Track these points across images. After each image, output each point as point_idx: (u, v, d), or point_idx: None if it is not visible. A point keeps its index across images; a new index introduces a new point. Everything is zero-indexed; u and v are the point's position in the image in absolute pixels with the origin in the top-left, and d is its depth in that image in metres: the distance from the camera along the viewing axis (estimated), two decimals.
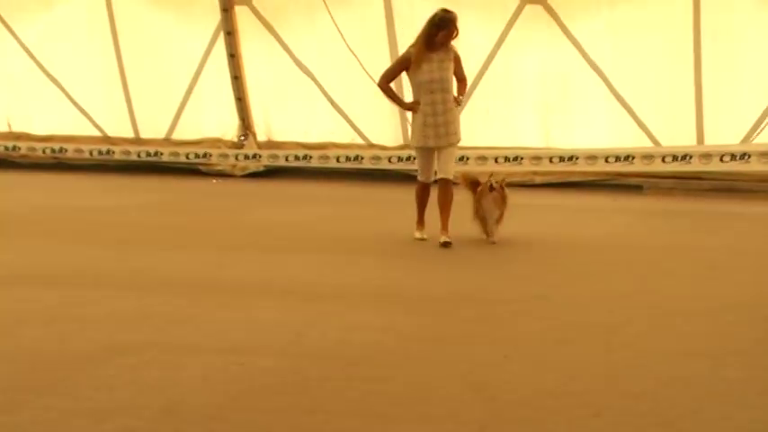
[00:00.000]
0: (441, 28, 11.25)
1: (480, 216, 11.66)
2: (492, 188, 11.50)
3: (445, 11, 11.36)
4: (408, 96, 12.17)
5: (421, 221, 11.94)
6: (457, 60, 11.54)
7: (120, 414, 5.82)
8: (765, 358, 7.14)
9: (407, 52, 11.58)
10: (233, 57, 17.93)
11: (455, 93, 11.56)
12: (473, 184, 11.95)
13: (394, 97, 12.10)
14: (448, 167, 11.56)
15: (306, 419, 5.79)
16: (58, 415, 5.84)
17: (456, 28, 11.29)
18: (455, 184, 11.73)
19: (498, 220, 11.61)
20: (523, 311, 8.42)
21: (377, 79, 11.90)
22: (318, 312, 8.34)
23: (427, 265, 10.62)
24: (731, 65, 15.48)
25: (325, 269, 10.24)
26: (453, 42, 11.43)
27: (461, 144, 11.83)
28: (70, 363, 6.87)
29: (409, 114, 12.35)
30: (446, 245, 11.30)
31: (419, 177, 11.85)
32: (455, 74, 11.57)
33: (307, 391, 6.25)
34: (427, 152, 11.63)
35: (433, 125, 11.44)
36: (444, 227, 11.49)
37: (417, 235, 11.86)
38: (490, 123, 16.78)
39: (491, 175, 11.87)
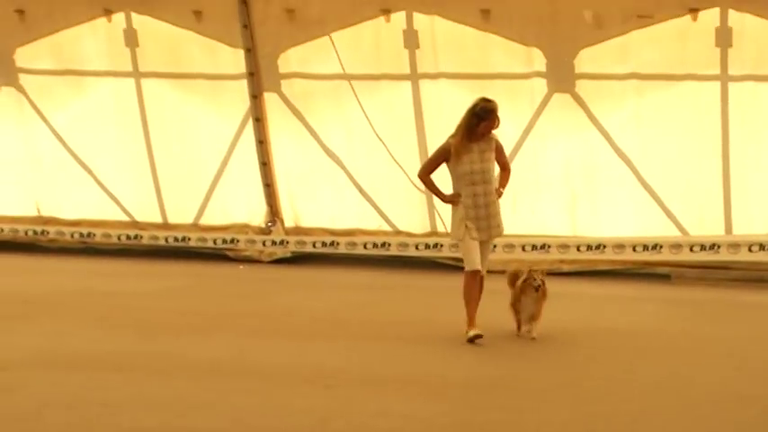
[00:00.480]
0: (482, 118, 10.92)
1: (517, 309, 11.33)
2: (537, 288, 11.13)
3: (486, 100, 11.05)
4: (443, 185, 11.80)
5: (472, 321, 11.01)
6: (499, 149, 11.29)
7: None
8: None
9: (447, 143, 11.17)
10: (261, 143, 17.99)
11: (496, 183, 11.34)
12: (513, 277, 11.61)
13: (434, 190, 11.60)
14: (483, 262, 11.22)
15: None
16: None
17: (497, 117, 11.03)
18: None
19: (536, 317, 11.26)
20: (548, 400, 8.36)
21: (404, 165, 11.75)
22: (343, 398, 8.31)
23: (452, 351, 10.56)
24: (759, 153, 15.42)
25: (349, 355, 10.21)
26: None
27: None
28: None
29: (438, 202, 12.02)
30: (477, 337, 10.94)
31: (466, 267, 11.15)
32: (498, 162, 11.33)
33: None
34: (469, 240, 11.13)
35: (474, 218, 11.13)
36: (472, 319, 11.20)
37: (471, 333, 10.91)
38: (517, 211, 16.73)
39: (530, 270, 11.50)
